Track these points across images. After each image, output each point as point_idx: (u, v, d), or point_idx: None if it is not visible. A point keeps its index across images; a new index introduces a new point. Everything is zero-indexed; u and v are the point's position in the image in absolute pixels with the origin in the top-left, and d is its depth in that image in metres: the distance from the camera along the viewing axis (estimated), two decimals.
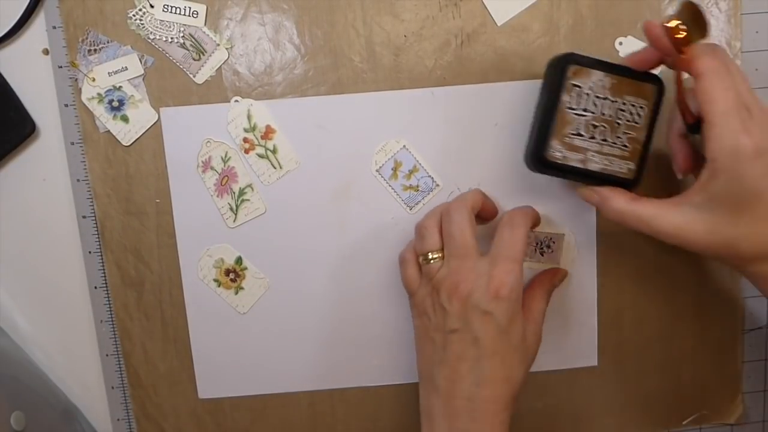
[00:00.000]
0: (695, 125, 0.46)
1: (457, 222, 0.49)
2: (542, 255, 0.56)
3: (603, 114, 0.48)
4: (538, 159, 0.49)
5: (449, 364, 0.48)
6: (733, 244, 0.44)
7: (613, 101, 0.48)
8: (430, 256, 0.50)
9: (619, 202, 0.47)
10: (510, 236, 0.48)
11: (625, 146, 0.49)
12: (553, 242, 0.56)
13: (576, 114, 0.47)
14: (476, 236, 0.49)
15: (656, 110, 0.49)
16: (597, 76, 0.48)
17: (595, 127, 0.48)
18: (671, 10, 0.53)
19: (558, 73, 0.48)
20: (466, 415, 0.47)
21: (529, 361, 0.50)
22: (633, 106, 0.48)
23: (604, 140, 0.48)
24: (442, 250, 0.49)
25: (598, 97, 0.48)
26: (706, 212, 0.44)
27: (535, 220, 0.52)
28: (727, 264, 0.48)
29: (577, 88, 0.47)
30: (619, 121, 0.48)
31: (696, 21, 0.42)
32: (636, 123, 0.49)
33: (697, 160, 0.49)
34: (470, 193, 0.52)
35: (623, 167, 0.49)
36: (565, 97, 0.48)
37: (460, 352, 0.47)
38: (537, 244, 0.56)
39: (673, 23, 0.42)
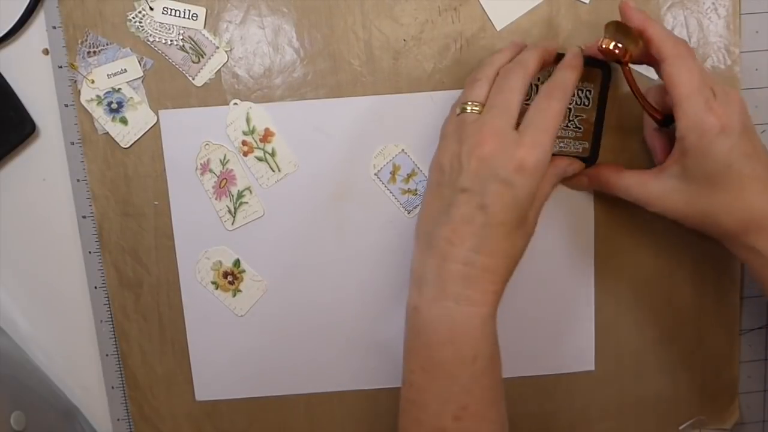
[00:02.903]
0: (664, 120, 0.49)
1: (511, 84, 0.46)
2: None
3: None
4: None
5: (452, 225, 0.46)
6: (711, 215, 0.46)
7: None
8: (469, 106, 0.47)
9: (607, 175, 0.51)
10: (546, 107, 0.45)
11: (578, 128, 0.52)
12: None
13: (526, 104, 0.47)
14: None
15: (604, 91, 0.51)
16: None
17: None
18: (670, 15, 0.53)
19: None
20: (460, 280, 0.46)
21: (528, 239, 0.48)
22: (581, 90, 0.52)
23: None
24: (483, 105, 0.47)
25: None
26: (683, 183, 0.47)
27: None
28: (715, 237, 0.49)
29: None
30: (569, 106, 0.51)
31: (626, 34, 0.46)
32: (585, 105, 0.52)
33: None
34: (533, 56, 0.48)
35: (578, 147, 0.52)
36: None
37: (466, 215, 0.45)
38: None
39: (606, 44, 0.46)
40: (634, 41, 0.46)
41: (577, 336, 0.58)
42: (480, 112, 0.46)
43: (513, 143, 0.44)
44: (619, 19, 0.47)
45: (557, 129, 0.45)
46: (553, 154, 0.49)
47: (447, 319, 0.46)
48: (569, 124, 0.52)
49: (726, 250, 0.56)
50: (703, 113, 0.44)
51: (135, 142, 0.54)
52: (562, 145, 0.52)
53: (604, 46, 0.46)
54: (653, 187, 0.48)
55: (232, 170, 0.55)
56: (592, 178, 0.53)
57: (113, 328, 0.57)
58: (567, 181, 0.54)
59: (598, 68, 0.51)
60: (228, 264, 0.56)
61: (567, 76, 0.47)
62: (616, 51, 0.46)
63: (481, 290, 0.46)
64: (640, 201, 0.49)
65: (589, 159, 0.52)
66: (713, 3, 0.53)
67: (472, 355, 0.46)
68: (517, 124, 0.45)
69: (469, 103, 0.47)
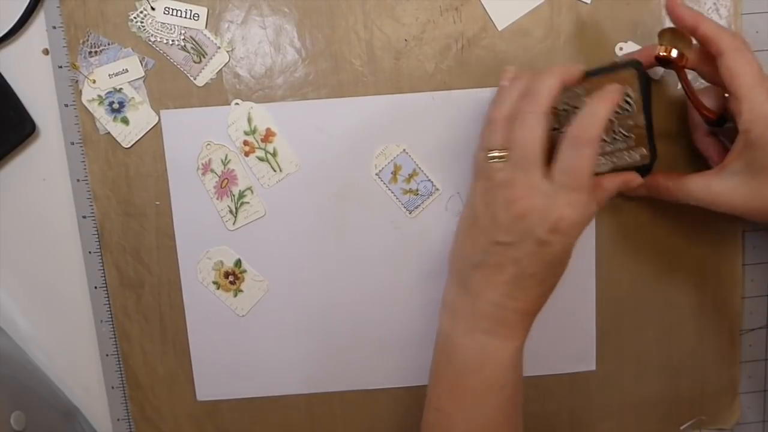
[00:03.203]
0: (718, 120, 0.48)
1: (527, 129, 0.44)
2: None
3: None
4: None
5: (486, 270, 0.46)
6: None
7: None
8: (492, 155, 0.45)
9: (666, 181, 0.50)
10: (575, 159, 0.43)
11: (628, 136, 0.50)
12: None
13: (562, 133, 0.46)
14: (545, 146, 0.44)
15: (646, 92, 0.49)
16: (569, 91, 0.49)
17: None
18: None
19: None
20: (492, 319, 0.47)
21: (560, 274, 0.48)
22: None
23: (603, 140, 0.49)
24: (506, 149, 0.45)
25: (576, 107, 0.48)
26: (748, 177, 0.46)
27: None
28: None
29: (555, 110, 0.48)
30: (611, 119, 0.49)
31: (681, 39, 0.47)
32: (628, 111, 0.50)
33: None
34: (547, 84, 0.45)
35: (635, 156, 0.50)
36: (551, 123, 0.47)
37: (500, 264, 0.46)
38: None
39: (667, 51, 0.47)
40: (689, 45, 0.46)
41: (578, 336, 0.58)
42: (505, 159, 0.45)
43: (547, 200, 0.44)
44: (669, 24, 0.47)
45: (592, 177, 0.44)
46: (609, 171, 0.50)
47: (478, 349, 0.47)
48: (616, 137, 0.50)
49: (726, 250, 0.57)
50: (766, 104, 0.44)
51: (136, 142, 0.54)
52: (615, 160, 0.50)
53: (663, 54, 0.46)
54: (718, 186, 0.47)
55: (233, 170, 0.55)
56: (651, 187, 0.52)
57: (113, 328, 0.57)
58: (627, 191, 0.53)
59: (631, 68, 0.49)
60: (229, 264, 0.56)
61: (597, 111, 0.44)
62: (675, 56, 0.46)
63: (513, 327, 0.47)
64: (705, 202, 0.49)
65: (650, 165, 0.51)
66: (714, 3, 0.53)
67: (500, 384, 0.47)
68: (549, 157, 0.45)
69: (491, 151, 0.46)
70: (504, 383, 0.47)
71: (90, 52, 0.53)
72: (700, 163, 0.53)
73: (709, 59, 0.47)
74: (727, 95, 0.47)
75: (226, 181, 0.55)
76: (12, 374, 0.55)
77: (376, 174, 0.55)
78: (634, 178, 0.50)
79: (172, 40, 0.53)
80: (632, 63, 0.49)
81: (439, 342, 0.50)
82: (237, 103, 0.54)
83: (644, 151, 0.50)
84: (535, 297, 0.47)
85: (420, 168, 0.55)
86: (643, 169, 0.51)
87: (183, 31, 0.53)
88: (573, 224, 0.44)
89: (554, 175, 0.44)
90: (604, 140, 0.49)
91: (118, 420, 0.59)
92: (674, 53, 0.47)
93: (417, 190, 0.55)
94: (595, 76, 0.49)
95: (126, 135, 0.54)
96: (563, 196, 0.44)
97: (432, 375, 0.50)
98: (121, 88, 0.54)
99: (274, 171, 0.55)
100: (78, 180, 0.55)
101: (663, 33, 0.47)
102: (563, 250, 0.45)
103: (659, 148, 0.51)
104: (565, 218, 0.44)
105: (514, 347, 0.47)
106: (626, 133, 0.50)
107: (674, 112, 0.54)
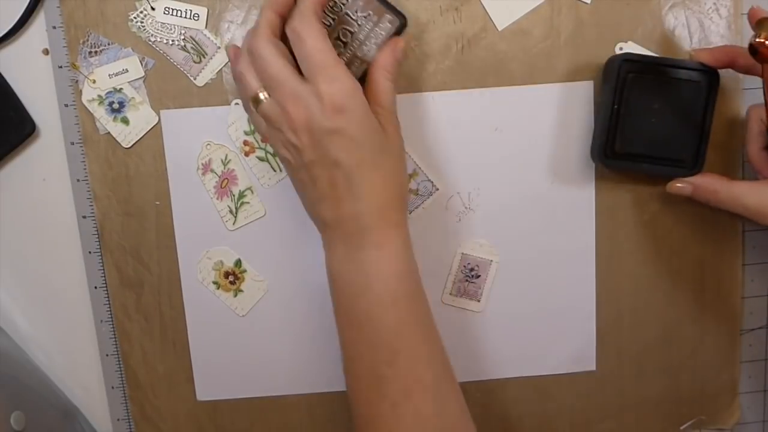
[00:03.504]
0: None
1: (264, 56, 0.45)
2: (468, 282, 0.57)
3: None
4: (612, 151, 0.52)
5: (325, 195, 0.46)
6: None
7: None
8: (261, 98, 0.46)
9: (714, 184, 0.51)
10: (302, 44, 0.44)
11: (366, 15, 0.50)
12: (479, 268, 0.56)
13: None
14: (289, 58, 0.45)
15: (712, 97, 0.51)
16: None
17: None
18: (671, 15, 0.53)
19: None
20: (358, 233, 0.46)
21: (398, 154, 0.48)
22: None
23: (347, 34, 0.50)
24: (266, 88, 0.46)
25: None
26: None
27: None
28: None
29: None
30: (342, 15, 0.50)
31: None
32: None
33: None
34: (263, 16, 0.46)
35: (386, 25, 0.49)
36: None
37: (328, 179, 0.45)
38: (464, 268, 0.56)
39: (761, 38, 0.44)
40: None
41: (578, 336, 0.58)
42: (268, 99, 0.45)
43: (312, 95, 0.44)
44: None
45: (331, 51, 0.44)
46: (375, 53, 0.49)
47: (359, 270, 0.47)
48: (357, 23, 0.50)
49: (726, 250, 0.57)
50: None
51: (136, 142, 0.54)
52: (372, 42, 0.50)
53: (758, 41, 0.44)
54: (762, 196, 0.48)
55: (233, 170, 0.55)
56: (698, 186, 0.52)
57: (113, 328, 0.57)
58: (671, 188, 0.53)
59: (706, 74, 0.51)
60: (229, 264, 0.56)
61: (301, 9, 0.45)
62: None
63: (381, 231, 0.46)
64: (751, 212, 0.49)
65: (692, 166, 0.52)
66: (714, 3, 0.53)
67: (392, 297, 0.46)
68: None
69: (256, 96, 0.46)
70: (395, 295, 0.46)
71: (90, 52, 0.53)
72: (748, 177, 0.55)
73: None
74: None
75: (226, 181, 0.55)
76: (12, 374, 0.55)
77: None
78: (397, 41, 0.49)
79: (172, 40, 0.53)
80: (710, 72, 0.51)
81: (329, 282, 0.49)
82: (237, 103, 0.54)
83: (388, 16, 0.49)
84: (379, 187, 0.46)
85: (420, 168, 0.55)
86: (401, 29, 0.50)
87: (183, 31, 0.53)
88: (345, 95, 0.44)
89: (302, 69, 0.45)
90: (349, 32, 0.49)
91: (118, 420, 0.59)
92: None
93: (417, 190, 0.55)
94: (672, 66, 0.51)
95: (126, 135, 0.54)
96: (320, 80, 0.44)
97: (334, 313, 0.50)
98: (121, 88, 0.54)
99: (275, 171, 0.55)
100: (78, 180, 0.55)
101: (764, 21, 0.44)
102: (360, 123, 0.45)
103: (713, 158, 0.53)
104: (335, 92, 0.44)
105: (393, 253, 0.47)
106: (363, 14, 0.50)
107: (729, 122, 0.55)
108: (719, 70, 0.51)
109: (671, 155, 0.52)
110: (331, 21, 0.49)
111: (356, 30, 0.49)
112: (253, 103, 0.46)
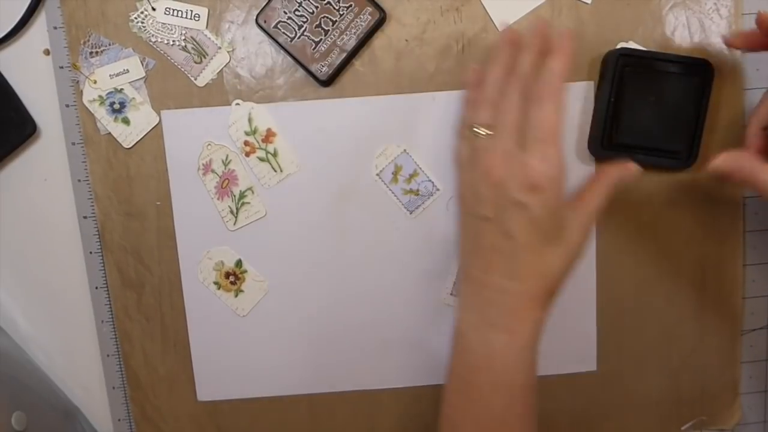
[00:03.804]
0: None
1: (512, 102, 0.45)
2: None
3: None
4: (610, 142, 0.53)
5: (482, 254, 0.46)
6: None
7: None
8: (480, 132, 0.46)
9: (753, 162, 0.47)
10: (538, 115, 0.44)
11: (349, 5, 0.51)
12: None
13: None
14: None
15: (707, 89, 0.52)
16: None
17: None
18: (672, 15, 0.53)
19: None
20: (497, 308, 0.46)
21: (571, 256, 0.47)
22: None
23: (327, 20, 0.52)
24: (492, 127, 0.46)
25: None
26: None
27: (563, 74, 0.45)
28: None
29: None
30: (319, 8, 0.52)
31: None
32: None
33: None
34: (527, 62, 0.46)
35: (366, 17, 0.52)
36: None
37: (493, 243, 0.45)
38: None
39: None
40: None
41: (578, 336, 0.58)
42: (487, 134, 0.46)
43: (520, 162, 0.44)
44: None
45: (561, 132, 0.44)
46: (357, 40, 0.51)
47: (485, 346, 0.47)
48: (339, 12, 0.51)
49: (727, 250, 0.57)
50: None
51: (137, 142, 0.54)
52: (354, 31, 0.52)
53: None
54: None
55: (234, 170, 0.55)
56: (732, 164, 0.47)
57: (114, 328, 0.57)
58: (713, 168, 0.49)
59: (701, 68, 0.52)
60: (230, 264, 0.56)
61: (553, 66, 0.45)
62: None
63: (519, 318, 0.46)
64: None
65: (687, 158, 0.53)
66: (715, 3, 0.53)
67: (508, 383, 0.46)
68: None
69: (476, 126, 0.46)
70: (511, 383, 0.46)
71: (91, 53, 0.53)
72: None
73: None
74: None
75: (226, 181, 0.55)
76: (12, 374, 0.55)
77: (377, 174, 0.55)
78: (631, 169, 0.49)
79: (173, 41, 0.53)
80: (704, 63, 0.52)
81: (453, 338, 0.50)
82: (238, 104, 0.54)
83: (369, 9, 0.51)
84: (537, 274, 0.46)
85: (420, 168, 0.55)
86: (380, 23, 0.52)
87: (184, 32, 0.53)
88: (549, 178, 0.44)
89: (526, 138, 0.44)
90: (330, 20, 0.51)
91: (119, 420, 0.59)
92: None
93: (417, 190, 0.55)
94: (665, 60, 0.52)
95: (127, 135, 0.54)
96: (535, 152, 0.44)
97: (447, 369, 0.50)
98: (122, 89, 0.54)
99: (275, 171, 0.55)
100: (79, 180, 0.55)
101: None
102: (547, 211, 0.44)
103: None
104: (540, 172, 0.43)
105: (521, 344, 0.46)
106: (345, 5, 0.51)
107: (729, 122, 0.54)
108: (714, 67, 0.52)
109: (667, 147, 0.53)
110: (314, 8, 0.51)
111: (337, 19, 0.51)
112: (470, 129, 0.47)
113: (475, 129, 0.47)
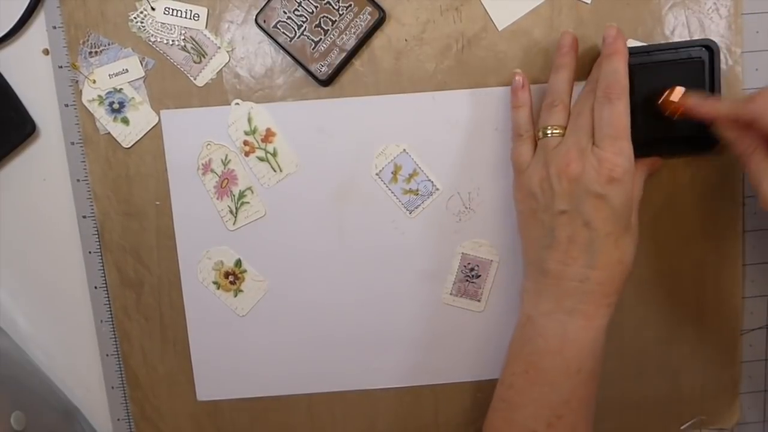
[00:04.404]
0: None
1: (586, 107, 0.48)
2: (468, 282, 0.57)
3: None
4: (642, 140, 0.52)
5: (559, 247, 0.48)
6: None
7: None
8: (550, 130, 0.49)
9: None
10: (610, 113, 0.47)
11: (348, 5, 0.52)
12: (479, 268, 0.56)
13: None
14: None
15: (712, 69, 0.52)
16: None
17: None
18: (671, 15, 0.53)
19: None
20: (576, 296, 0.47)
21: (636, 241, 0.49)
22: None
23: (327, 18, 0.52)
24: (564, 128, 0.49)
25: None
26: None
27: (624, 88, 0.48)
28: None
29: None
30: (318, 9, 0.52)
31: None
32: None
33: None
34: (620, 69, 0.47)
35: (366, 17, 0.52)
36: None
37: (571, 235, 0.47)
38: (464, 268, 0.56)
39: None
40: None
41: None
42: (561, 135, 0.49)
43: (598, 159, 0.46)
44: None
45: (629, 127, 0.47)
46: (356, 40, 0.52)
47: (559, 331, 0.48)
48: (340, 12, 0.52)
49: (726, 250, 0.57)
50: None
51: (136, 142, 0.54)
52: (354, 31, 0.52)
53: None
54: None
55: (233, 170, 0.55)
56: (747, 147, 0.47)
57: (113, 328, 0.57)
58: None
59: (703, 49, 0.52)
60: (229, 264, 0.56)
61: (615, 67, 0.47)
62: None
63: (596, 304, 0.48)
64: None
65: (708, 141, 0.51)
66: (715, 3, 0.53)
67: (577, 367, 0.48)
68: None
69: (550, 127, 0.49)
70: (581, 367, 0.48)
71: (90, 52, 0.53)
72: None
73: None
74: None
75: (226, 181, 0.55)
76: (12, 374, 0.55)
77: (377, 174, 0.55)
78: (656, 161, 0.53)
79: (173, 41, 0.53)
80: (705, 47, 0.52)
81: (519, 324, 0.51)
82: (237, 103, 0.54)
83: (369, 8, 0.52)
84: (616, 261, 0.47)
85: (420, 168, 0.55)
86: (380, 23, 0.52)
87: (183, 32, 0.53)
88: (625, 170, 0.46)
89: (596, 133, 0.47)
90: (330, 20, 0.51)
91: (119, 420, 0.59)
92: None
93: (417, 190, 0.55)
94: (660, 52, 0.52)
95: (126, 135, 0.54)
96: (609, 147, 0.46)
97: (508, 356, 0.51)
98: (121, 88, 0.54)
99: (275, 171, 0.55)
100: (78, 180, 0.55)
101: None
102: (624, 199, 0.46)
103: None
104: (617, 165, 0.46)
105: (597, 328, 0.48)
106: (345, 4, 0.52)
107: None
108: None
109: (688, 133, 0.52)
110: (314, 8, 0.51)
111: (337, 19, 0.51)
112: (542, 131, 0.50)
113: (548, 131, 0.49)
